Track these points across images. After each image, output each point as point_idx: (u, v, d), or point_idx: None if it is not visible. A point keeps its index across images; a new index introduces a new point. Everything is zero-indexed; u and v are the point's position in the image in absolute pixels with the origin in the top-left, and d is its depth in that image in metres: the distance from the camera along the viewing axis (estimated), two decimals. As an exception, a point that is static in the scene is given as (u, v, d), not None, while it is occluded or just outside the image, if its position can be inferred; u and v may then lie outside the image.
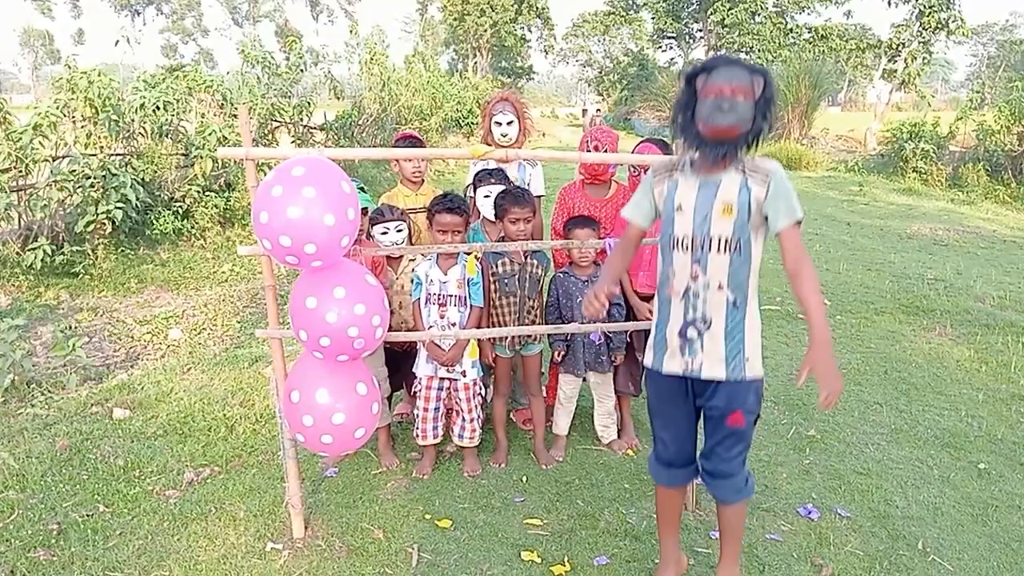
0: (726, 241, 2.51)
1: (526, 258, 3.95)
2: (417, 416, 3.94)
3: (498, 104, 4.32)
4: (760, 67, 2.50)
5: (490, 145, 4.18)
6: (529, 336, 4.04)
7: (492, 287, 3.94)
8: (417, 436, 3.96)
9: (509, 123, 4.27)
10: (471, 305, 3.80)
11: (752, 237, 2.54)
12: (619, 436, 4.34)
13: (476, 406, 3.92)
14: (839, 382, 2.42)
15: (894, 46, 27.78)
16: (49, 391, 4.91)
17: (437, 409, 3.91)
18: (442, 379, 3.90)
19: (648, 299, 4.11)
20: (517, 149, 3.52)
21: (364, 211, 3.84)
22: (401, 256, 4.05)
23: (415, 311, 3.85)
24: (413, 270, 3.89)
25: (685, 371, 2.65)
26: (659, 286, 2.72)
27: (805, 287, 2.49)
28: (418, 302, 3.83)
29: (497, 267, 3.91)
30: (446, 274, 3.77)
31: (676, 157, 2.70)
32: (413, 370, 3.98)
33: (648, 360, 2.78)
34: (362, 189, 3.87)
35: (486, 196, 4.07)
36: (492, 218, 4.06)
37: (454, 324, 3.77)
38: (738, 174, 2.52)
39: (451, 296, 3.78)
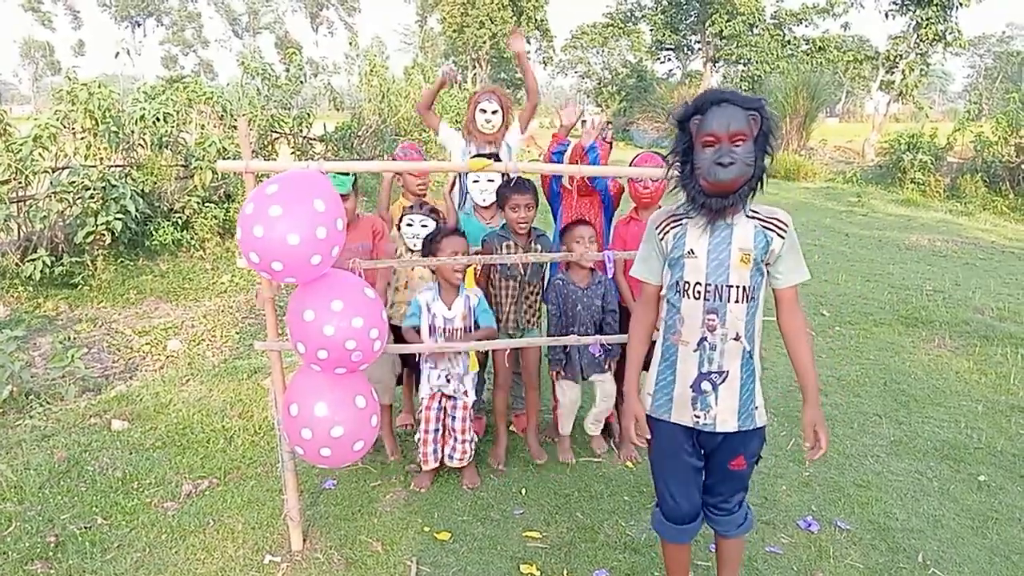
0: (744, 290, 2.42)
1: (529, 242, 3.97)
2: (418, 439, 3.92)
3: (484, 94, 4.47)
4: (754, 98, 2.37)
5: (471, 132, 4.43)
6: (528, 322, 4.09)
7: (493, 269, 3.99)
8: (419, 460, 3.95)
9: (494, 112, 4.41)
10: (481, 327, 3.84)
11: (761, 284, 2.47)
12: (616, 448, 4.34)
13: (470, 428, 3.92)
14: (826, 434, 2.53)
15: (891, 58, 27.85)
16: (47, 402, 4.90)
17: (437, 431, 3.91)
18: (442, 397, 3.90)
19: None
20: (516, 163, 3.52)
21: (346, 195, 3.76)
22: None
23: (410, 336, 3.85)
24: (415, 296, 3.88)
25: (696, 424, 2.53)
26: (663, 332, 2.59)
27: (803, 349, 2.49)
28: (415, 329, 3.83)
29: (500, 249, 3.92)
30: (451, 309, 3.79)
31: (674, 206, 2.56)
32: (417, 389, 4.01)
33: (650, 408, 2.62)
34: (343, 173, 3.79)
35: (475, 181, 4.19)
36: (483, 204, 4.22)
37: (459, 354, 3.80)
38: (750, 220, 2.43)
39: (457, 330, 3.81)
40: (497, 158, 4.11)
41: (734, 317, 2.43)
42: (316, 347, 2.75)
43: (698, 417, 2.52)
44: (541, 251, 4.00)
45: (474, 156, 4.22)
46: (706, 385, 2.48)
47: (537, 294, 4.12)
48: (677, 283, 2.50)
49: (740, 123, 2.29)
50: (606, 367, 4.15)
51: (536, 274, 4.06)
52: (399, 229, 4.13)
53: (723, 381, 2.47)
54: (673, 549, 2.80)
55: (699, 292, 2.45)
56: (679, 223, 2.50)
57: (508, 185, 3.96)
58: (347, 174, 3.83)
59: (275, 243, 2.55)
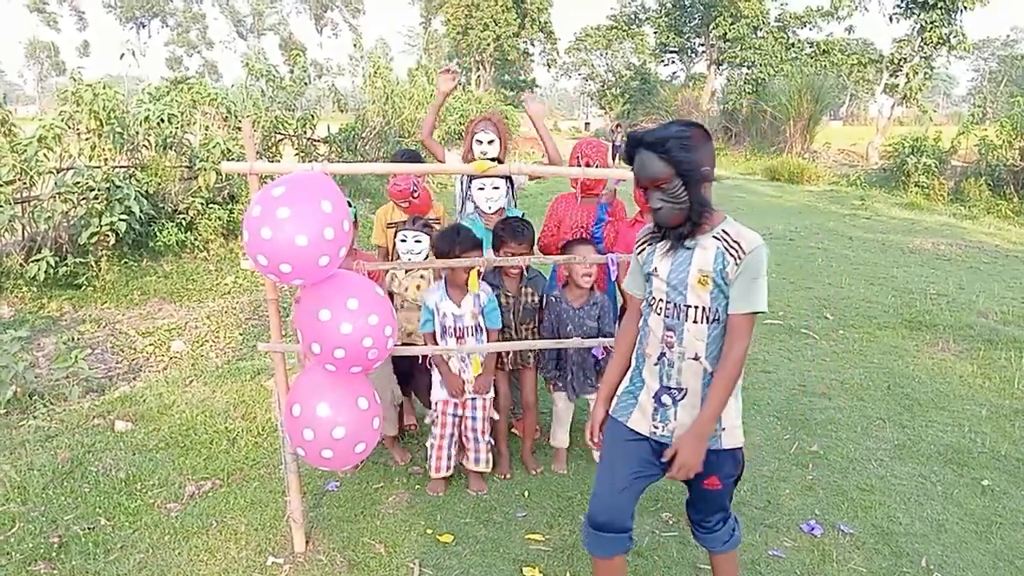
0: (703, 311, 2.39)
1: (520, 288, 3.99)
2: (431, 446, 3.89)
3: (480, 123, 4.37)
4: (663, 139, 2.30)
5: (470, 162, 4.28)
6: (524, 359, 4.13)
7: None
8: (431, 469, 3.91)
9: (490, 142, 4.31)
10: (487, 329, 3.82)
11: (726, 306, 2.40)
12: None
13: (488, 428, 3.92)
14: (697, 463, 2.38)
15: (896, 61, 27.84)
16: (51, 403, 4.91)
17: (452, 436, 3.89)
18: (457, 404, 3.88)
19: None
20: (520, 164, 3.52)
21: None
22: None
23: (427, 342, 3.85)
24: (423, 300, 3.88)
25: (652, 435, 2.51)
26: (638, 341, 2.60)
27: (717, 382, 2.37)
28: (432, 335, 3.83)
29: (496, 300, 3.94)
30: (460, 307, 3.78)
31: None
32: (430, 396, 3.97)
33: (613, 407, 2.63)
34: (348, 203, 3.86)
35: (480, 188, 4.21)
36: (488, 211, 4.24)
37: (463, 358, 3.80)
38: (715, 241, 2.38)
39: (468, 327, 3.80)
40: (509, 180, 4.13)
41: (692, 336, 2.42)
42: (333, 346, 2.75)
43: (656, 428, 2.51)
44: (533, 294, 4.02)
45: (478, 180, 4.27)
46: (666, 399, 2.48)
47: (533, 331, 4.11)
48: (648, 297, 2.54)
49: (656, 169, 2.31)
50: (598, 384, 4.10)
51: (530, 314, 4.06)
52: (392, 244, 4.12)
53: (682, 398, 2.46)
54: (602, 566, 2.66)
55: (660, 308, 2.47)
56: (652, 242, 2.54)
57: (505, 229, 3.94)
58: (351, 205, 3.88)
59: (283, 245, 2.55)
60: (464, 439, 3.93)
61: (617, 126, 29.12)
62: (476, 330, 3.81)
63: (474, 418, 3.89)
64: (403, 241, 4.02)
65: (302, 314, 2.82)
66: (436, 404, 3.89)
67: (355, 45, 17.57)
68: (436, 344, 3.81)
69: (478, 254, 3.77)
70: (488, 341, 3.82)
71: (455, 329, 3.79)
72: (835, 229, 12.87)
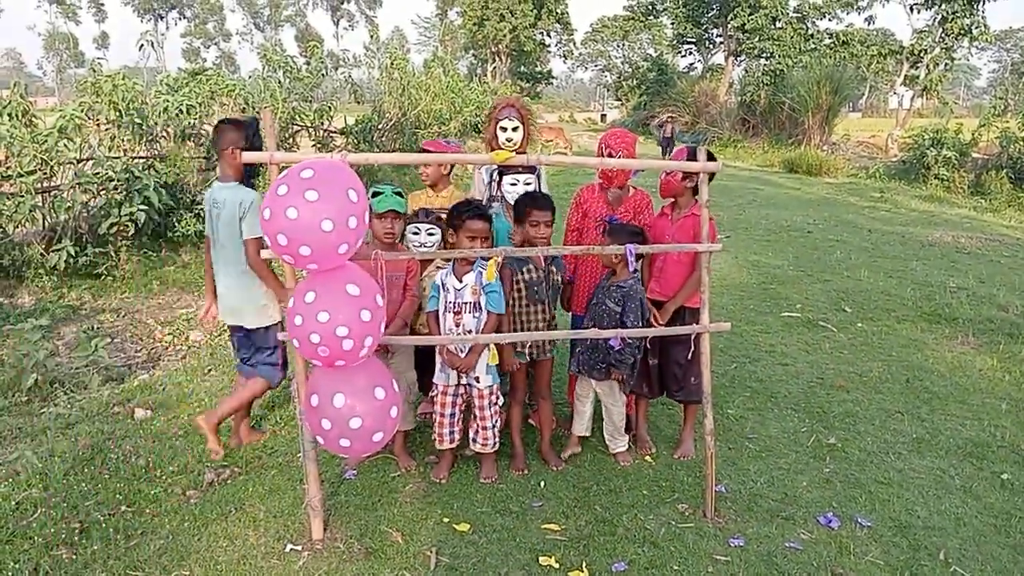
0: None
1: (547, 265, 3.96)
2: (434, 421, 3.95)
3: (504, 109, 4.33)
4: None
5: (494, 149, 4.23)
6: (547, 343, 4.07)
7: (518, 293, 3.96)
8: (434, 440, 3.98)
9: (514, 128, 4.28)
10: (488, 311, 3.77)
11: None
12: (633, 441, 4.33)
13: (493, 414, 3.91)
14: None
15: (916, 52, 27.57)
16: (72, 391, 4.96)
17: (453, 415, 3.91)
18: (458, 386, 3.90)
19: (659, 305, 4.11)
20: (540, 155, 3.52)
21: (399, 215, 3.88)
22: (431, 260, 4.10)
23: (430, 321, 3.86)
24: (433, 278, 3.90)
25: None
26: None
27: None
28: (435, 313, 3.83)
29: (524, 274, 3.93)
30: (461, 281, 3.77)
31: None
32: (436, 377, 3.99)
33: None
34: (399, 194, 3.90)
35: (512, 184, 4.16)
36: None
37: (470, 331, 3.76)
38: None
39: (466, 303, 3.77)
40: (535, 171, 4.11)
41: None
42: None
43: None
44: (556, 273, 4.00)
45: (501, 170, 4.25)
46: None
47: (553, 318, 4.10)
48: None
49: None
50: (605, 373, 4.05)
51: (556, 297, 4.05)
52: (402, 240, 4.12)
53: None
54: None
55: None
56: None
57: (528, 200, 3.91)
58: (404, 196, 3.89)
59: (308, 227, 2.56)
60: (471, 418, 3.96)
61: (668, 119, 28.08)
62: (474, 307, 3.76)
63: (475, 406, 3.90)
64: (415, 233, 4.03)
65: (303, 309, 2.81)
66: (437, 385, 3.90)
67: (372, 36, 17.58)
68: (436, 322, 3.81)
69: (482, 228, 3.73)
70: (487, 325, 3.75)
71: (454, 304, 3.76)
72: (854, 221, 12.77)
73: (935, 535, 3.49)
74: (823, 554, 3.33)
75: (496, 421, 3.94)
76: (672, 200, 4.16)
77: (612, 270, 4.01)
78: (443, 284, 3.80)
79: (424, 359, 4.20)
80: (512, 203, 4.10)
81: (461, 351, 3.79)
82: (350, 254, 2.75)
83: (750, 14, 39.00)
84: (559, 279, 4.03)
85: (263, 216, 2.65)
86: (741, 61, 43.05)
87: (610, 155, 4.18)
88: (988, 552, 3.37)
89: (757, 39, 38.94)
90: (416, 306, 4.07)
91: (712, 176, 3.60)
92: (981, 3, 25.36)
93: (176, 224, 8.49)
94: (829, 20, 39.28)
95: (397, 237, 3.92)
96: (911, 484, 3.97)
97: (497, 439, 3.96)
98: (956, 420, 4.78)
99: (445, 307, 3.79)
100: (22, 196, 6.81)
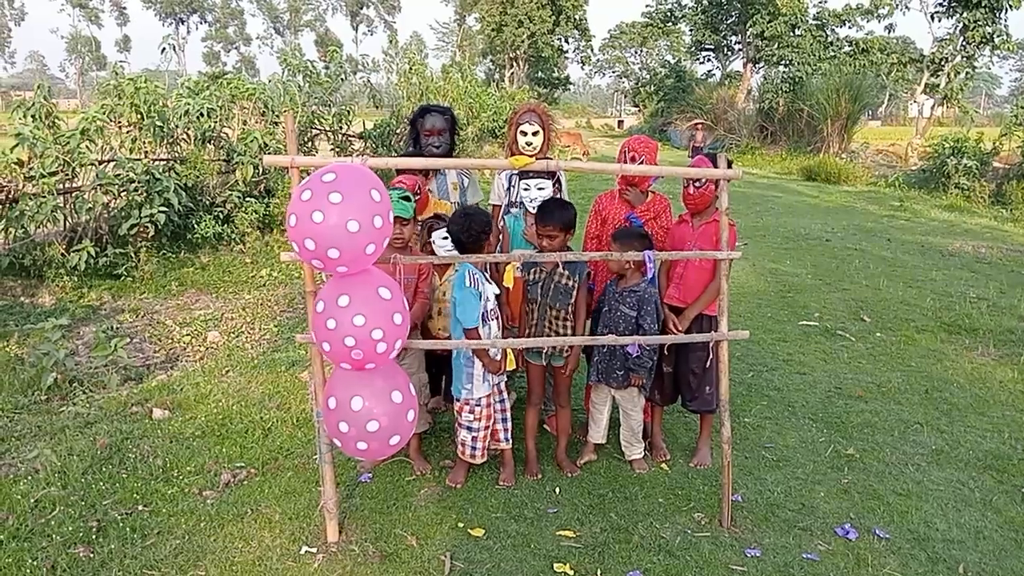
0: None
1: (555, 267, 3.93)
2: (470, 437, 3.87)
3: (525, 114, 4.33)
4: None
5: (515, 154, 4.22)
6: (560, 347, 4.04)
7: (525, 294, 4.00)
8: (466, 455, 3.91)
9: (535, 133, 4.29)
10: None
11: None
12: (649, 449, 4.31)
13: (506, 408, 3.98)
14: None
15: (937, 60, 27.37)
16: (90, 390, 5.00)
17: (487, 428, 3.90)
18: (490, 393, 3.88)
19: (677, 312, 4.09)
20: (558, 160, 3.51)
21: (407, 221, 3.87)
22: (450, 264, 4.10)
23: (471, 336, 3.74)
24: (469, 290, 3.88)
25: None
26: None
27: None
28: (475, 328, 3.75)
29: (528, 273, 3.92)
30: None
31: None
32: (467, 393, 3.85)
33: None
34: (406, 198, 3.90)
35: (527, 189, 4.15)
36: (534, 210, 4.09)
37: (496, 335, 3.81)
38: None
39: (491, 309, 3.79)
40: (554, 176, 4.11)
41: None
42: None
43: None
44: (568, 277, 3.95)
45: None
46: None
47: (566, 319, 3.98)
48: None
49: None
50: (624, 380, 4.04)
51: (564, 300, 3.93)
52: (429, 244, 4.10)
53: None
54: None
55: None
56: None
57: (540, 209, 3.91)
58: (411, 200, 3.89)
59: (335, 230, 2.57)
60: (496, 426, 3.96)
61: (696, 126, 27.46)
62: (496, 313, 3.84)
63: (502, 401, 3.94)
64: (445, 238, 4.02)
65: (318, 309, 2.83)
66: (480, 399, 3.84)
67: (390, 41, 17.65)
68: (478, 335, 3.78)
69: (491, 234, 3.75)
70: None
71: (493, 311, 3.81)
72: (873, 230, 12.68)
73: (954, 548, 3.45)
74: (840, 565, 3.30)
75: (508, 416, 3.98)
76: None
77: (618, 275, 4.01)
78: (482, 293, 3.73)
79: (435, 362, 4.22)
80: (530, 208, 4.12)
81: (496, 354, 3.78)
82: (377, 255, 2.77)
83: (769, 21, 38.87)
84: (568, 283, 3.96)
85: (289, 222, 2.66)
86: (760, 68, 42.87)
87: (633, 159, 4.16)
88: (1008, 567, 3.33)
89: (776, 46, 38.79)
90: (427, 308, 4.09)
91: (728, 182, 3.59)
92: (1004, 11, 25.15)
93: (195, 226, 8.57)
94: (849, 28, 39.08)
95: (406, 242, 3.91)
96: (930, 496, 3.93)
97: (511, 436, 4.00)
98: (976, 432, 4.73)
99: (484, 316, 3.74)
100: (44, 197, 6.89)
